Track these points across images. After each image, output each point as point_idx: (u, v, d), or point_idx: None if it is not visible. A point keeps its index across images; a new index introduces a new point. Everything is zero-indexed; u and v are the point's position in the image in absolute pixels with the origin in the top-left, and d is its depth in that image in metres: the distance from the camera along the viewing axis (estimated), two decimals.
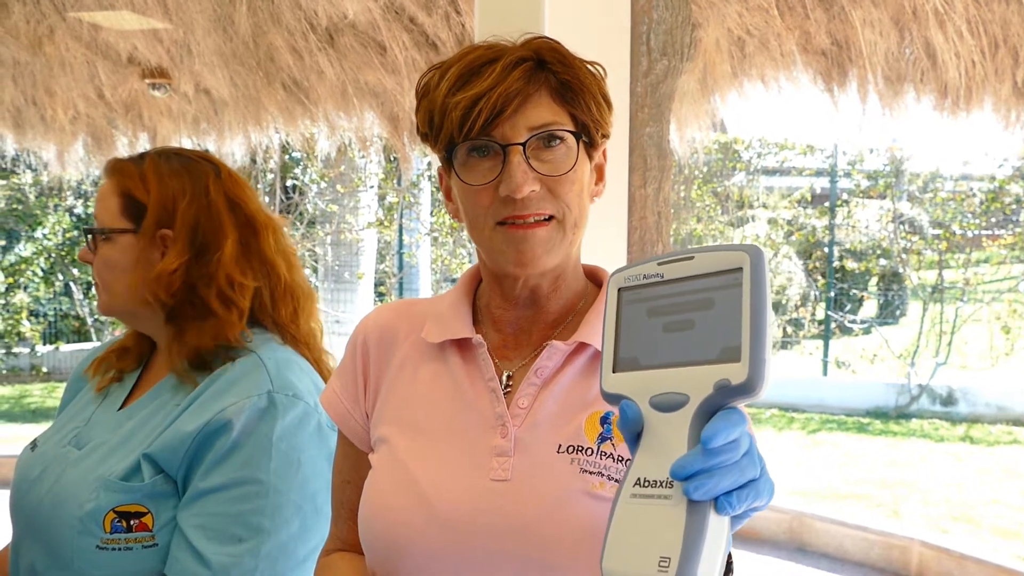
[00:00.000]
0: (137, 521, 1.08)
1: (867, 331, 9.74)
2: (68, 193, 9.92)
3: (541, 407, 0.88)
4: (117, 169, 1.23)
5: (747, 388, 0.59)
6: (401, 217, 8.69)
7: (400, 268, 9.11)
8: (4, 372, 9.96)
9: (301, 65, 3.73)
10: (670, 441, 0.61)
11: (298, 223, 8.44)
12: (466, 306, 0.97)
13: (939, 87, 2.87)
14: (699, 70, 3.04)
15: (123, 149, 4.87)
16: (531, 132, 0.85)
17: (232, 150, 4.69)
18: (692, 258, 0.64)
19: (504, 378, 0.91)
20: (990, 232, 9.27)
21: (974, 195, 8.89)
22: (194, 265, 1.19)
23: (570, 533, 0.81)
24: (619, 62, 1.71)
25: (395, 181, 8.28)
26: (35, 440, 1.27)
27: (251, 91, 3.99)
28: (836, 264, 9.75)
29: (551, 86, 0.87)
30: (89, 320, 10.25)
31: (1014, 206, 8.75)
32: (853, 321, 9.72)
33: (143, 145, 4.86)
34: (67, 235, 9.96)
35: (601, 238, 1.61)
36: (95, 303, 1.32)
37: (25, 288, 9.99)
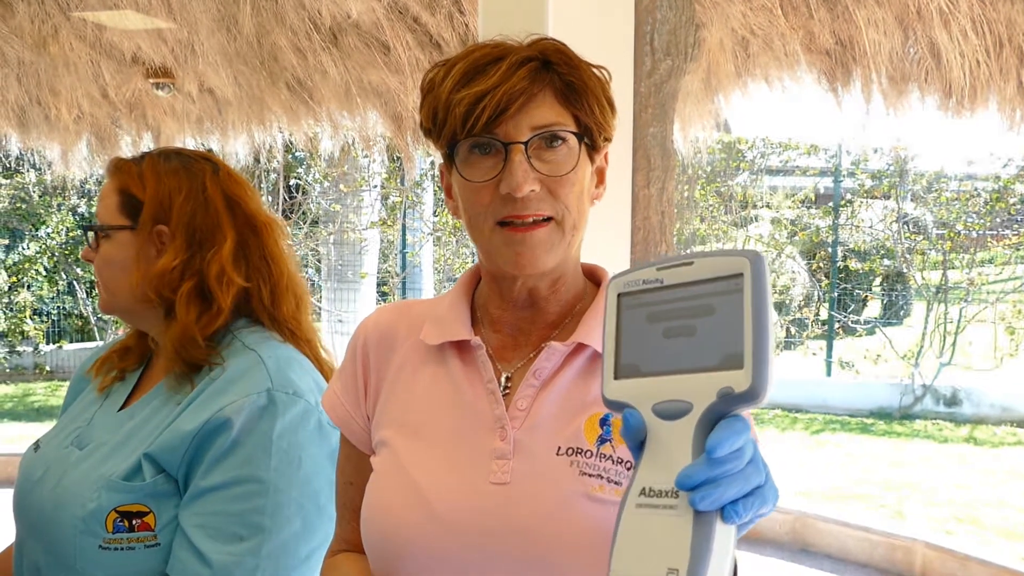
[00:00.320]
0: (139, 521, 1.08)
1: (871, 331, 9.71)
2: (72, 192, 9.93)
3: (540, 409, 0.88)
4: (117, 168, 1.24)
5: (750, 396, 0.58)
6: (404, 217, 8.70)
7: (403, 268, 9.11)
8: (8, 371, 9.98)
9: (305, 65, 3.73)
10: (674, 449, 0.61)
11: (301, 222, 8.45)
12: (465, 307, 0.96)
13: (943, 87, 2.86)
14: (703, 70, 3.04)
15: (127, 148, 4.88)
16: (534, 131, 0.85)
17: (236, 149, 4.70)
18: (692, 263, 0.64)
19: (503, 380, 0.91)
20: (995, 232, 9.25)
21: (979, 195, 8.86)
22: (193, 262, 1.19)
23: (569, 535, 0.81)
24: (623, 62, 1.71)
25: (398, 181, 8.28)
26: (38, 441, 1.28)
27: (255, 91, 4.00)
28: (840, 264, 9.73)
29: (555, 87, 0.87)
30: (92, 319, 10.27)
31: (1019, 206, 8.72)
32: (857, 321, 9.70)
33: (147, 144, 4.87)
34: (71, 234, 9.98)
35: (604, 238, 1.61)
36: (98, 302, 1.32)
37: (29, 287, 10.02)
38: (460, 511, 0.84)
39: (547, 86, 0.86)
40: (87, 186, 9.79)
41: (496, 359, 0.93)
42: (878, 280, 11.03)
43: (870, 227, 9.67)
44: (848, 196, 9.67)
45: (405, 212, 8.63)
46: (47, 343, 10.29)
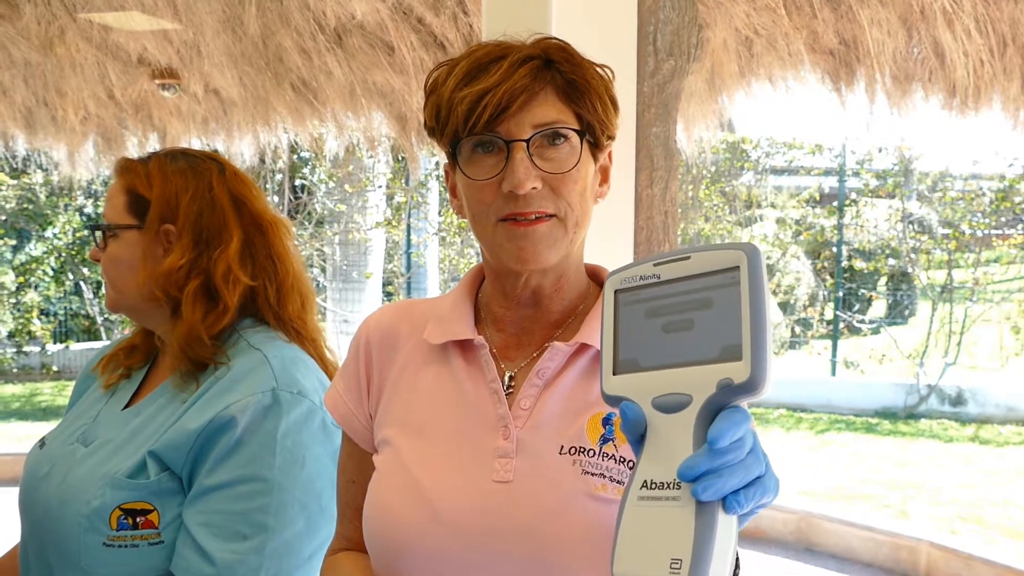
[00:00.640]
0: (143, 518, 1.09)
1: (876, 331, 9.70)
2: (78, 193, 9.97)
3: (543, 408, 0.88)
4: (125, 168, 1.25)
5: (750, 386, 0.59)
6: (409, 217, 8.71)
7: (408, 268, 9.12)
8: (15, 371, 10.01)
9: (309, 65, 3.74)
10: (674, 442, 0.62)
11: (306, 223, 8.46)
12: (468, 307, 0.97)
13: (947, 86, 2.86)
14: (707, 70, 3.04)
15: (133, 149, 4.89)
16: (535, 129, 0.85)
17: (241, 150, 4.71)
18: (688, 258, 0.64)
19: (506, 379, 0.91)
20: (1000, 231, 9.23)
21: (984, 194, 8.85)
22: (200, 261, 1.20)
23: (572, 535, 0.81)
24: (626, 62, 1.71)
25: (403, 181, 8.29)
26: (44, 438, 1.28)
27: (260, 91, 4.00)
28: (845, 264, 9.72)
29: (557, 85, 0.87)
30: (99, 319, 10.30)
31: None
32: (862, 321, 9.69)
33: (153, 145, 4.88)
34: (77, 235, 10.01)
35: (608, 238, 1.61)
36: (104, 302, 1.33)
37: (36, 287, 10.05)
38: (463, 510, 0.84)
39: (549, 84, 0.87)
40: (94, 187, 9.83)
41: (499, 358, 0.93)
42: (883, 280, 11.01)
43: (875, 227, 9.65)
44: (853, 195, 9.67)
45: (410, 212, 8.63)
46: (54, 343, 10.32)
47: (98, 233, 1.25)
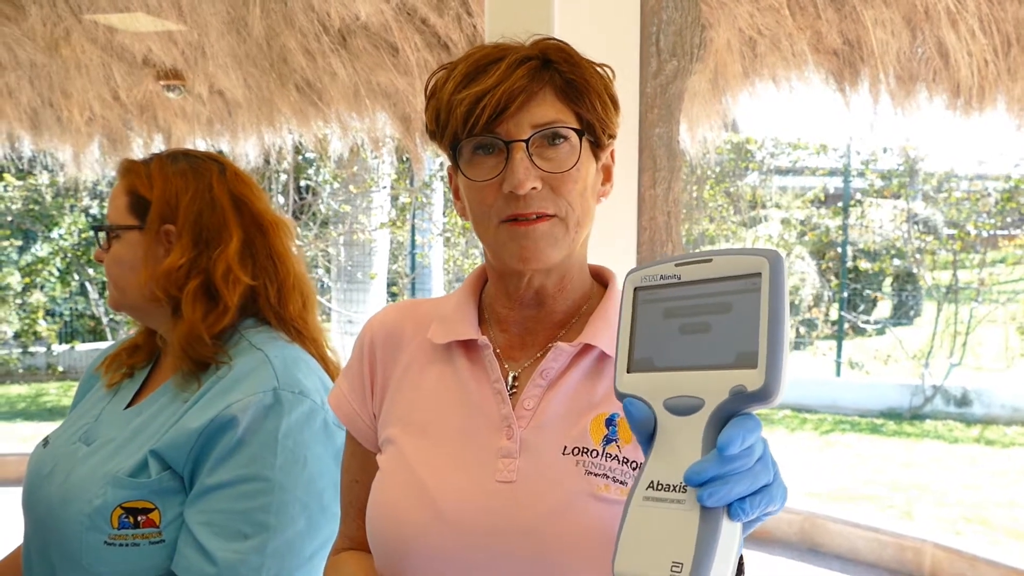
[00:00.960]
0: (144, 517, 1.09)
1: (881, 332, 9.69)
2: (84, 194, 9.99)
3: (547, 408, 0.88)
4: (127, 169, 1.26)
5: (763, 395, 0.59)
6: (413, 217, 8.71)
7: (412, 268, 9.13)
8: (21, 371, 10.04)
9: (314, 66, 3.75)
10: (684, 445, 0.62)
11: (311, 223, 8.48)
12: (472, 307, 0.97)
13: (952, 86, 2.85)
14: (710, 70, 3.04)
15: (138, 150, 4.91)
16: (534, 129, 0.85)
17: (246, 151, 4.72)
18: (711, 261, 0.64)
19: (510, 379, 0.91)
20: (1006, 232, 9.21)
21: (989, 195, 8.82)
22: (200, 261, 1.21)
23: (575, 535, 0.81)
24: (629, 63, 1.71)
25: (407, 181, 8.30)
26: (47, 437, 1.29)
27: (264, 92, 4.01)
28: (850, 264, 9.70)
29: (556, 85, 0.87)
30: (104, 320, 10.32)
31: None
32: (867, 322, 9.67)
33: (158, 146, 4.89)
34: (83, 235, 10.03)
35: (610, 239, 1.61)
36: (107, 301, 1.34)
37: (41, 288, 10.08)
38: (466, 510, 0.84)
39: (547, 84, 0.87)
40: (99, 187, 9.85)
41: (503, 358, 0.93)
42: (888, 280, 10.99)
43: (880, 227, 9.63)
44: (858, 196, 9.65)
45: (414, 213, 8.64)
46: (60, 343, 10.34)
47: (101, 234, 1.26)
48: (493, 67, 0.85)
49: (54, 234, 10.03)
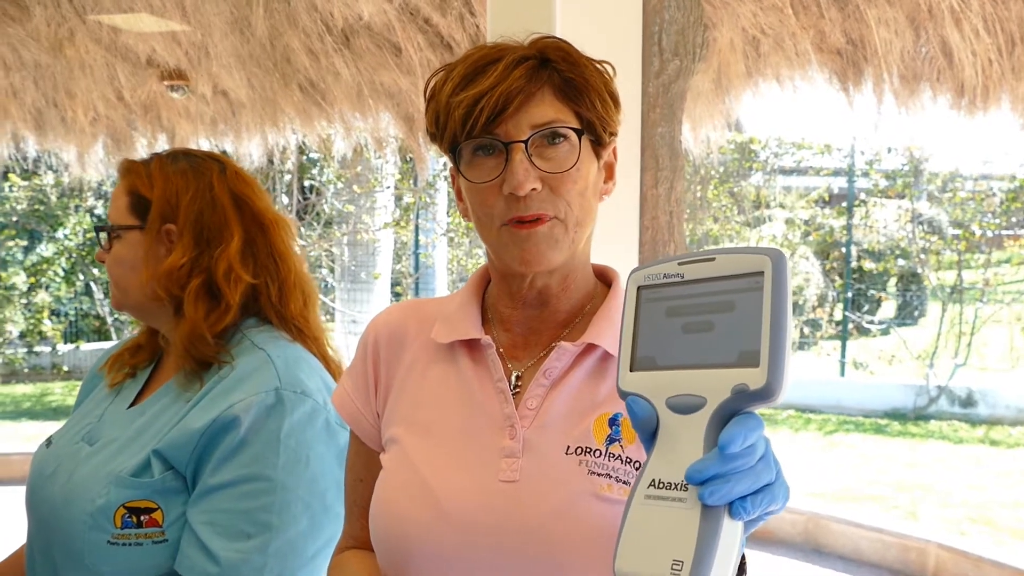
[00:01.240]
0: (147, 517, 1.09)
1: (885, 332, 9.66)
2: (88, 194, 10.02)
3: (550, 408, 0.88)
4: (127, 169, 1.26)
5: (765, 394, 0.59)
6: (417, 217, 8.72)
7: (416, 268, 9.13)
8: (26, 370, 10.07)
9: (317, 66, 3.75)
10: (685, 443, 0.62)
11: (315, 223, 8.49)
12: (475, 306, 0.97)
13: (955, 86, 2.85)
14: (713, 70, 3.04)
15: (142, 150, 4.92)
16: (533, 130, 0.85)
17: (249, 151, 4.73)
18: (713, 259, 0.64)
19: (513, 379, 0.91)
20: (1011, 232, 9.19)
21: (994, 194, 8.80)
22: (202, 260, 1.21)
23: (578, 534, 0.81)
24: (631, 62, 1.71)
25: (411, 181, 8.30)
26: (50, 437, 1.29)
27: (268, 92, 4.02)
28: (854, 264, 9.69)
29: (554, 84, 0.87)
30: (109, 319, 10.36)
31: None
32: (871, 322, 9.65)
33: (162, 146, 4.91)
34: (88, 235, 10.05)
35: (613, 238, 1.61)
36: (110, 299, 1.34)
37: (47, 288, 10.10)
38: (469, 509, 0.84)
39: (546, 84, 0.86)
40: (104, 188, 9.87)
41: (506, 358, 0.93)
42: (893, 280, 10.97)
43: (884, 227, 9.61)
44: (862, 196, 9.63)
45: (418, 213, 8.64)
46: (64, 343, 10.37)
47: (103, 234, 1.27)
48: (491, 68, 0.85)
49: (59, 234, 10.06)
